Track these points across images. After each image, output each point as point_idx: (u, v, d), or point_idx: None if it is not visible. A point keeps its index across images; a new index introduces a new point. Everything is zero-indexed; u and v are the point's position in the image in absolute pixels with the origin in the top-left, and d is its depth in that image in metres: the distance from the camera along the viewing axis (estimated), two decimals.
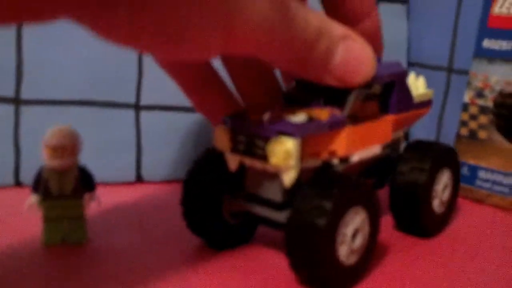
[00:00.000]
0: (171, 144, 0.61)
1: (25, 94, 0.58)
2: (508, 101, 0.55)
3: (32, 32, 0.58)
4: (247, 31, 0.29)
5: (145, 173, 0.61)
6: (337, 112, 0.41)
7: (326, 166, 0.42)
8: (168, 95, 0.61)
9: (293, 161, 0.37)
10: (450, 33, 0.63)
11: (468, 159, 0.58)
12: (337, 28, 0.36)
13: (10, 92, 0.58)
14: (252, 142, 0.39)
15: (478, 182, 0.57)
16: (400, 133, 0.50)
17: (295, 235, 0.37)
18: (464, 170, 0.58)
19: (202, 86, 0.45)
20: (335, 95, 0.43)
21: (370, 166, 0.47)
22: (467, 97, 0.58)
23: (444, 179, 0.48)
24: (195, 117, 0.62)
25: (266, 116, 0.39)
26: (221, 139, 0.40)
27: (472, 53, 0.58)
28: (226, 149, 0.41)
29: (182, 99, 0.60)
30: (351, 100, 0.41)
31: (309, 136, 0.38)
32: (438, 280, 0.41)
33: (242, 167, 0.42)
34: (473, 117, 0.58)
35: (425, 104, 0.50)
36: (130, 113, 0.60)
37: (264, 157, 0.38)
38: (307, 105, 0.42)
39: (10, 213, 0.51)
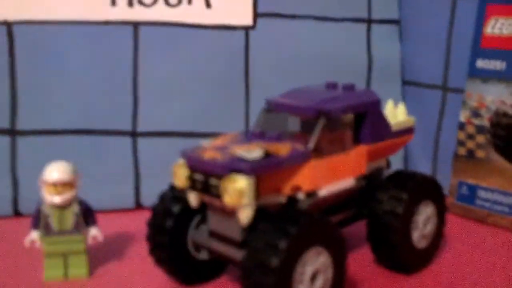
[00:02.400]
0: (169, 170, 0.61)
1: (20, 125, 0.58)
2: (504, 121, 0.55)
3: (26, 62, 0.58)
4: None
5: (145, 200, 0.61)
6: (299, 146, 0.40)
7: (292, 201, 0.41)
8: (165, 121, 0.61)
9: (247, 200, 0.36)
10: (443, 52, 0.63)
11: (467, 178, 0.58)
12: None
13: (5, 124, 0.58)
14: (208, 180, 0.38)
15: (478, 202, 0.57)
16: (382, 162, 0.49)
17: (249, 274, 0.36)
18: (464, 190, 0.58)
19: None
20: (307, 124, 0.42)
21: (345, 199, 0.46)
22: (463, 117, 0.59)
23: (426, 211, 0.46)
24: (192, 142, 0.62)
25: (221, 154, 0.38)
26: (180, 176, 0.40)
27: (466, 73, 0.59)
28: (184, 186, 0.40)
29: (179, 124, 0.61)
30: (317, 131, 0.41)
31: (268, 172, 0.38)
32: None
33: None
34: (470, 137, 0.58)
35: (406, 131, 0.49)
36: (127, 141, 0.60)
37: (219, 196, 0.37)
38: (269, 140, 0.41)
39: (10, 245, 0.51)
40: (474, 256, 0.50)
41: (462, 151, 0.59)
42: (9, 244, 0.51)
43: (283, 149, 0.39)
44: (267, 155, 0.38)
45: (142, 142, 0.61)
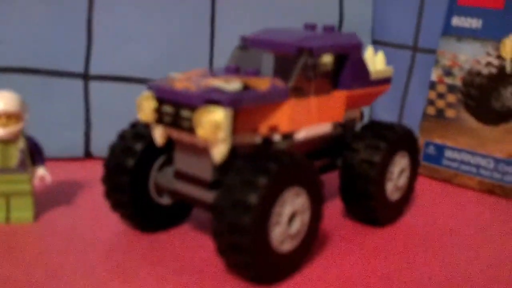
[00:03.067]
0: (122, 118, 0.56)
1: None
2: (477, 80, 0.54)
3: None
4: None
5: (95, 149, 0.56)
6: (279, 83, 0.37)
7: (267, 142, 0.38)
8: (120, 65, 0.56)
9: (223, 134, 0.33)
10: (416, 12, 0.62)
11: (435, 138, 0.57)
12: None
13: None
14: (178, 112, 0.34)
15: (445, 162, 0.56)
16: (356, 113, 0.46)
17: (223, 215, 0.32)
18: (430, 150, 0.57)
19: None
20: (282, 65, 0.39)
21: (320, 146, 0.43)
22: (434, 75, 0.57)
23: (401, 162, 0.44)
24: None
25: (194, 84, 0.35)
26: (145, 109, 0.36)
27: (440, 31, 0.57)
28: (150, 120, 0.36)
29: (135, 69, 0.56)
30: (297, 70, 0.38)
31: (245, 107, 0.34)
32: (375, 272, 0.37)
33: (171, 140, 0.38)
34: (441, 96, 0.56)
35: (383, 81, 0.46)
36: (78, 83, 0.55)
37: (191, 129, 0.33)
38: (246, 74, 0.37)
39: None
40: (442, 212, 0.49)
41: (431, 110, 0.57)
42: None
43: (262, 83, 0.36)
44: (246, 88, 0.35)
45: (94, 86, 0.56)
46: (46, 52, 0.54)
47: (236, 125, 0.35)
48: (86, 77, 0.55)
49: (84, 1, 0.54)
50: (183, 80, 0.36)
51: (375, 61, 0.47)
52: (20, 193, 0.40)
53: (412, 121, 0.60)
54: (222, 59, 0.57)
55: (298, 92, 0.38)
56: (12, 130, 0.39)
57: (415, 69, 0.62)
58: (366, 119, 0.64)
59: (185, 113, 0.34)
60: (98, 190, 0.46)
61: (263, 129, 0.37)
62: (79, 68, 0.55)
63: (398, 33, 0.64)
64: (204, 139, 0.33)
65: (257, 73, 0.38)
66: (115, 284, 0.34)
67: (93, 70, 0.55)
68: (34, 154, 0.41)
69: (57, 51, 0.54)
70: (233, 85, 0.34)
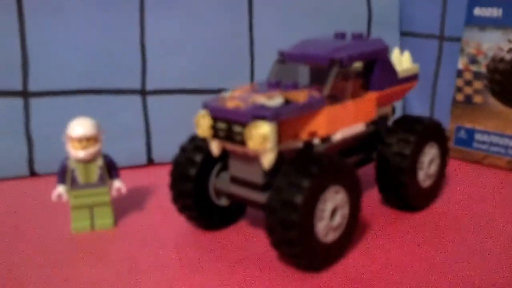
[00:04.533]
0: (178, 126, 0.63)
1: (32, 87, 0.59)
2: (500, 66, 0.58)
3: (35, 23, 0.58)
4: None
5: (156, 156, 0.63)
6: (315, 93, 0.42)
7: (308, 146, 0.43)
8: (172, 79, 0.62)
9: (270, 144, 0.39)
10: (440, 1, 0.65)
11: (465, 123, 0.61)
12: None
13: (18, 85, 0.59)
14: (231, 128, 0.40)
15: (475, 144, 0.60)
16: (388, 108, 0.52)
17: (274, 213, 0.38)
18: (461, 134, 0.61)
19: None
20: (317, 75, 0.44)
21: (356, 143, 0.49)
22: (460, 64, 0.61)
23: (431, 152, 0.49)
24: (199, 98, 0.63)
25: (243, 102, 0.40)
26: (202, 126, 0.42)
27: (463, 22, 0.61)
28: (207, 135, 0.42)
29: (185, 81, 0.63)
30: (330, 79, 0.43)
31: (287, 118, 0.40)
32: (418, 256, 0.42)
33: (225, 150, 0.44)
34: (468, 83, 0.61)
35: (411, 78, 0.51)
36: (137, 99, 0.62)
37: (243, 142, 0.39)
38: (286, 88, 0.43)
39: (34, 201, 0.53)
40: (474, 193, 0.53)
41: (460, 97, 0.61)
42: (31, 201, 0.54)
43: (300, 96, 0.41)
44: (287, 102, 0.40)
45: (151, 99, 0.62)
46: (106, 73, 0.61)
47: (281, 135, 0.41)
48: (143, 92, 0.62)
49: (136, 24, 0.61)
50: (233, 99, 0.42)
51: (402, 60, 0.51)
52: (101, 204, 0.47)
53: (443, 108, 0.64)
54: (262, 65, 0.63)
55: (333, 98, 0.43)
56: (92, 151, 0.46)
57: (443, 57, 0.66)
58: (400, 109, 0.68)
59: (237, 128, 0.40)
60: (164, 193, 0.53)
61: (304, 135, 0.43)
62: (136, 85, 0.62)
63: (425, 24, 0.67)
64: (254, 149, 0.39)
65: (295, 85, 0.43)
66: (188, 277, 0.40)
67: (149, 85, 0.62)
68: (111, 170, 0.48)
69: (116, 72, 0.61)
70: (276, 100, 0.40)
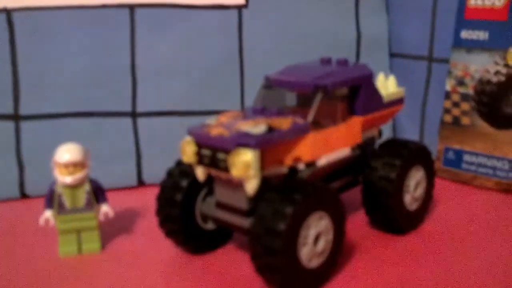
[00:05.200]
0: (169, 148, 0.63)
1: (23, 110, 0.60)
2: (487, 88, 0.58)
3: (26, 48, 0.59)
4: None
5: (146, 177, 0.63)
6: (299, 120, 0.43)
7: (293, 171, 0.44)
8: (163, 101, 0.63)
9: (253, 171, 0.39)
10: (429, 24, 0.66)
11: (453, 144, 0.61)
12: None
13: (9, 109, 0.59)
14: (215, 155, 0.41)
15: (464, 165, 0.60)
16: (374, 131, 0.52)
17: (258, 240, 0.38)
18: (450, 155, 0.61)
19: None
20: (303, 99, 0.44)
21: (341, 167, 0.49)
22: (448, 85, 0.62)
23: (417, 176, 0.49)
24: (189, 120, 0.64)
25: (227, 129, 0.41)
26: (188, 152, 0.43)
27: (451, 44, 0.61)
28: (192, 161, 0.43)
29: (176, 103, 0.63)
30: (315, 106, 0.43)
31: (272, 145, 0.40)
32: (405, 278, 0.42)
33: (210, 175, 0.44)
34: (456, 105, 0.61)
35: (397, 102, 0.52)
36: (128, 121, 0.62)
37: (226, 169, 0.40)
38: (270, 115, 0.43)
39: (23, 225, 0.54)
40: (462, 214, 0.53)
41: (448, 118, 0.62)
42: (21, 224, 0.54)
43: (284, 123, 0.42)
44: (271, 129, 0.41)
45: (141, 122, 0.63)
46: (97, 96, 0.61)
47: (264, 161, 0.41)
48: (134, 114, 0.62)
49: (127, 47, 0.61)
50: (217, 126, 0.42)
51: (387, 85, 0.52)
52: (88, 228, 0.48)
53: (432, 128, 0.65)
54: (252, 88, 0.63)
55: (318, 124, 0.44)
56: (78, 177, 0.46)
57: (432, 78, 0.66)
58: (390, 130, 0.69)
59: (220, 155, 0.40)
60: (152, 215, 0.52)
61: (289, 160, 0.43)
62: (127, 107, 0.62)
63: (414, 45, 0.68)
64: (238, 176, 0.40)
65: (280, 112, 0.43)
66: None
67: (140, 108, 0.62)
68: (98, 194, 0.48)
69: (106, 95, 0.61)
70: (259, 128, 0.40)
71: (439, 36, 0.65)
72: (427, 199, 0.52)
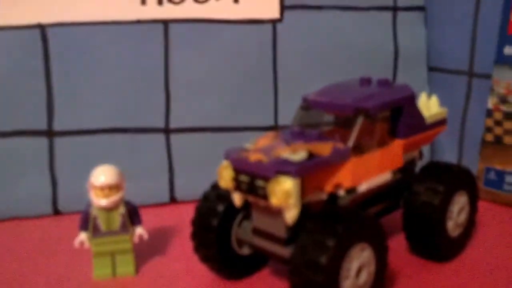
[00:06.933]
0: (202, 164, 0.63)
1: (57, 126, 0.59)
2: None
3: (60, 64, 0.59)
4: None
5: (179, 194, 0.63)
6: (340, 145, 0.41)
7: (333, 198, 0.42)
8: (196, 117, 0.62)
9: (293, 200, 0.38)
10: (469, 37, 0.64)
11: (495, 164, 0.59)
12: None
13: (42, 125, 0.59)
14: (254, 182, 0.39)
15: (505, 186, 0.58)
16: (415, 153, 0.50)
17: (298, 272, 0.37)
18: (491, 175, 0.59)
19: None
20: (342, 121, 0.43)
21: (382, 191, 0.47)
22: (490, 103, 0.59)
23: (460, 201, 0.48)
24: (222, 136, 0.63)
25: (266, 155, 0.39)
26: (225, 177, 0.41)
27: (492, 58, 0.59)
28: (229, 187, 0.41)
29: (209, 119, 0.62)
30: (356, 130, 0.42)
31: (311, 172, 0.39)
32: None
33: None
34: (498, 123, 0.59)
35: (439, 123, 0.50)
36: (161, 137, 0.62)
37: (265, 197, 0.38)
38: (309, 139, 0.42)
39: (57, 243, 0.53)
40: (505, 239, 0.51)
41: (489, 137, 0.60)
42: (55, 242, 0.54)
43: (325, 148, 0.40)
44: (311, 156, 0.39)
45: (174, 138, 0.62)
46: (130, 112, 0.61)
47: (304, 188, 0.40)
48: (167, 131, 0.62)
49: (161, 63, 0.61)
50: (255, 152, 0.41)
51: (429, 105, 0.50)
52: (123, 251, 0.47)
53: (472, 147, 0.63)
54: (286, 103, 0.62)
55: (358, 147, 0.42)
56: (114, 200, 0.45)
57: (473, 94, 0.64)
58: (427, 147, 0.67)
59: (259, 182, 0.39)
60: (186, 236, 0.52)
61: (329, 187, 0.42)
62: (160, 123, 0.61)
63: (453, 59, 0.66)
64: (277, 205, 0.38)
65: (320, 136, 0.42)
66: None
67: (172, 124, 0.62)
68: (133, 216, 0.47)
69: (140, 111, 0.61)
70: (299, 155, 0.39)
71: (480, 50, 0.63)
72: (470, 225, 0.50)
